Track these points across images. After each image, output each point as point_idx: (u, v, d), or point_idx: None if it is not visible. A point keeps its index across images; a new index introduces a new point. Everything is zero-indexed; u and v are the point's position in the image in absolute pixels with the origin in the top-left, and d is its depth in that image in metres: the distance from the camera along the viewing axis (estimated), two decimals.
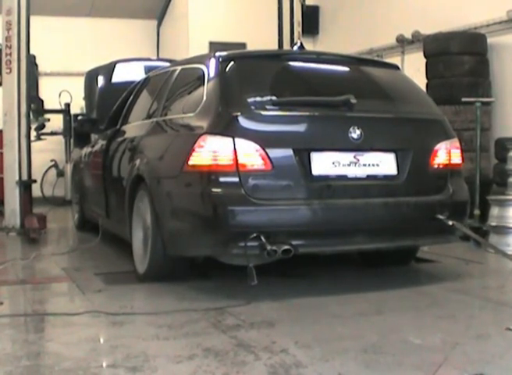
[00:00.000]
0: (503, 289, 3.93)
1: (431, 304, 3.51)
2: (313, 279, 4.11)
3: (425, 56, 6.79)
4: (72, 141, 9.29)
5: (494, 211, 5.25)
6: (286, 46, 8.01)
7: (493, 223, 5.23)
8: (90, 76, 7.58)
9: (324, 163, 3.60)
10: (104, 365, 2.52)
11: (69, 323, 3.09)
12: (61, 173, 9.76)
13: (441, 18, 7.22)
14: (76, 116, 9.33)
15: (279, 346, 2.68)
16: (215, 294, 3.67)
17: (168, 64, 5.46)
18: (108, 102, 5.81)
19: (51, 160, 9.86)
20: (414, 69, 6.86)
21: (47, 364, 2.50)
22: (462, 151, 4.08)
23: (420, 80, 4.91)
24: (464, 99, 5.88)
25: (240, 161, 3.42)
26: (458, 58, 6.46)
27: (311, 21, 9.54)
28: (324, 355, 2.58)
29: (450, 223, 3.75)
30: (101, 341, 2.90)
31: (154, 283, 3.86)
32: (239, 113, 3.51)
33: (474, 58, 6.48)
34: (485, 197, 5.50)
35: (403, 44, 7.99)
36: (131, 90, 5.37)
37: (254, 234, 3.33)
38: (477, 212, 5.59)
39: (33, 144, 6.70)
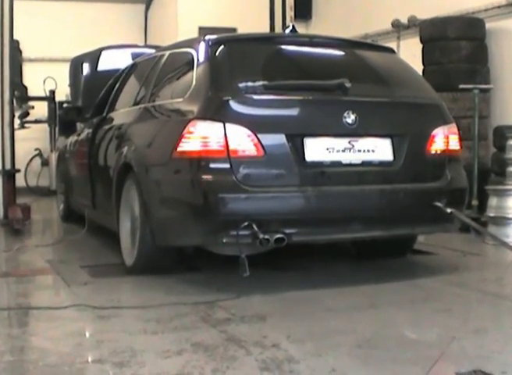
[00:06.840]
0: (502, 282, 3.90)
1: (427, 297, 3.47)
2: (306, 271, 4.06)
3: (422, 42, 6.72)
4: (57, 129, 9.28)
5: (492, 201, 5.20)
6: (278, 31, 7.92)
7: (491, 214, 5.17)
8: (75, 64, 7.51)
9: (318, 149, 3.55)
10: (90, 360, 2.50)
11: (53, 316, 3.04)
12: (45, 163, 9.72)
13: (438, 2, 7.14)
14: (61, 103, 9.28)
15: (270, 341, 2.64)
16: (205, 287, 3.64)
17: None
18: (94, 91, 5.75)
19: (36, 149, 9.81)
20: (410, 54, 6.75)
21: (31, 359, 2.47)
22: (460, 137, 4.03)
23: (416, 66, 4.83)
24: (461, 86, 5.82)
25: (231, 147, 3.37)
26: (455, 43, 6.39)
27: (303, 5, 9.46)
28: (317, 349, 2.56)
29: (449, 210, 3.70)
30: (87, 335, 2.88)
31: (142, 276, 3.82)
32: (229, 98, 3.46)
33: (472, 43, 6.42)
34: (483, 187, 5.45)
35: (398, 29, 7.88)
36: (118, 76, 5.31)
37: (246, 223, 3.28)
38: (475, 202, 5.54)
39: (16, 133, 6.62)
